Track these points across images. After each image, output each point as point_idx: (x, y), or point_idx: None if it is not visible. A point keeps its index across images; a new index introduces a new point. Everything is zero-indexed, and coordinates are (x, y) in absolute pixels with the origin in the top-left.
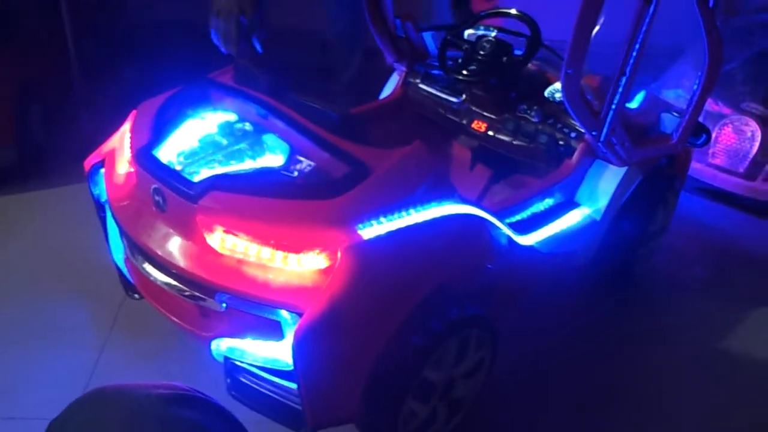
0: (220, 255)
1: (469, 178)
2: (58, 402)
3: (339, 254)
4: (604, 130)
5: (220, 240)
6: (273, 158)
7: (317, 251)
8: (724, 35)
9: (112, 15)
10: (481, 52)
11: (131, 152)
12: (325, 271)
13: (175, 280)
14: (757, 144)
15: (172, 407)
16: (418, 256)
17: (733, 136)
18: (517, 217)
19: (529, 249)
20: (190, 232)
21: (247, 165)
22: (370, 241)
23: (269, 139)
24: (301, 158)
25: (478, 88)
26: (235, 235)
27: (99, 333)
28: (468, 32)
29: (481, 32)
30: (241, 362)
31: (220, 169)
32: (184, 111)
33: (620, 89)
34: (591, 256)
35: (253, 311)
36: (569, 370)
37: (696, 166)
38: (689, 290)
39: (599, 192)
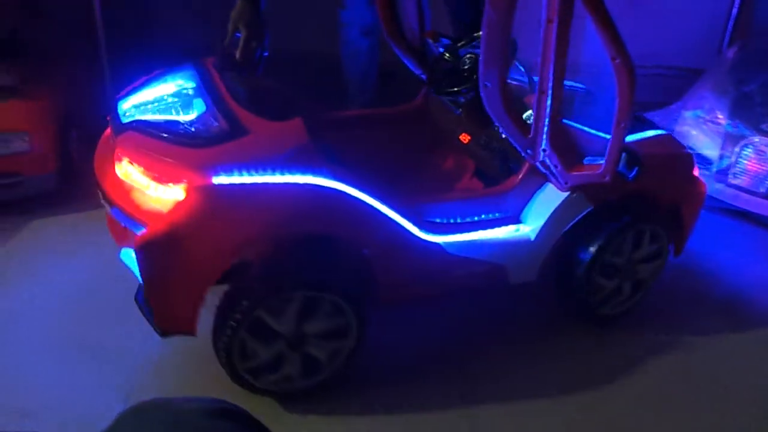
0: (122, 181)
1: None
2: (100, 416)
3: (187, 190)
4: (538, 150)
5: (123, 169)
6: (189, 115)
7: (175, 185)
8: (743, 59)
9: (141, 42)
10: (464, 67)
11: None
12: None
13: (105, 202)
14: None
15: (210, 419)
16: (256, 207)
17: (754, 157)
18: (441, 218)
19: (435, 246)
20: (111, 162)
21: (169, 117)
22: (218, 186)
23: (197, 102)
24: (209, 119)
25: (468, 103)
26: (132, 165)
27: (137, 350)
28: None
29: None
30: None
31: (149, 117)
32: (160, 78)
33: (547, 109)
34: (533, 277)
35: (131, 227)
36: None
37: (717, 187)
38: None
39: (538, 213)
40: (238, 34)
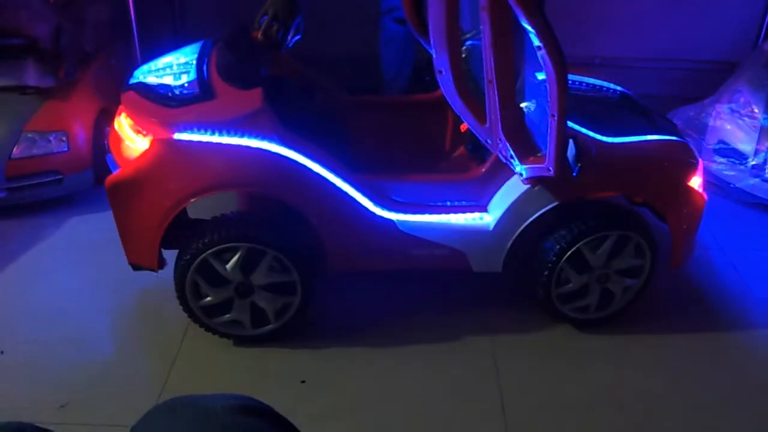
0: (118, 133)
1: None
2: (134, 410)
3: (152, 142)
4: (495, 140)
5: (118, 122)
6: (180, 81)
7: (145, 137)
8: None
9: (174, 38)
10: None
11: None
12: None
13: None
14: None
15: (238, 416)
16: (206, 163)
17: None
18: (406, 199)
19: (388, 222)
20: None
21: (166, 80)
22: (176, 141)
23: (191, 70)
24: (192, 84)
25: None
26: (126, 119)
27: (170, 346)
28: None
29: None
30: None
31: (151, 79)
32: (178, 50)
33: (495, 97)
34: (497, 268)
35: (113, 170)
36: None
37: (753, 182)
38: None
39: (500, 203)
40: (266, 17)
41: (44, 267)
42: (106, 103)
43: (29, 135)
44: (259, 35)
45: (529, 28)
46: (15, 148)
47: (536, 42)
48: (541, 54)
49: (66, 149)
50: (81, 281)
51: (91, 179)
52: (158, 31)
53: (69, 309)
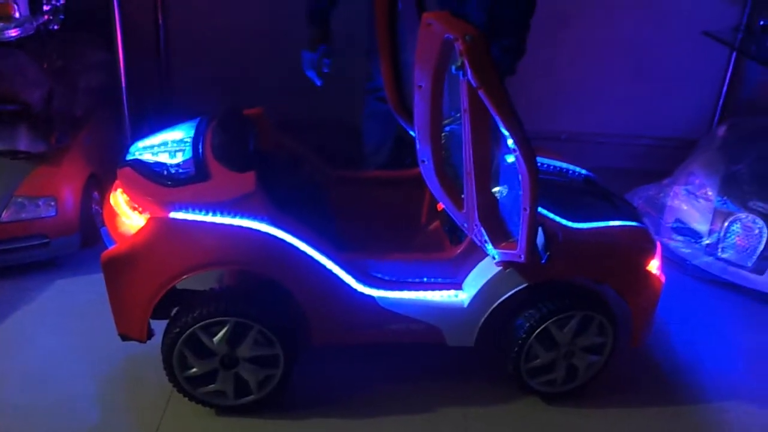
0: (112, 207)
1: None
2: None
3: (148, 220)
4: (472, 225)
5: (114, 197)
6: (176, 159)
7: (142, 215)
8: (732, 138)
9: (161, 105)
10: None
11: None
12: None
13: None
14: (764, 240)
15: None
16: (199, 241)
17: (742, 233)
18: (386, 276)
19: (369, 299)
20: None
21: (162, 158)
22: (173, 220)
23: (187, 149)
24: (188, 164)
25: None
26: (122, 195)
27: (154, 414)
28: None
29: None
30: None
31: (147, 156)
32: (173, 127)
33: (473, 187)
34: (470, 342)
35: (108, 244)
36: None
37: (707, 260)
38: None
39: (475, 282)
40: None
41: (30, 330)
42: (94, 169)
43: (19, 200)
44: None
45: (506, 133)
46: (4, 212)
47: (512, 145)
48: (516, 155)
49: (54, 214)
50: (66, 345)
51: (78, 242)
52: (146, 98)
53: (54, 374)
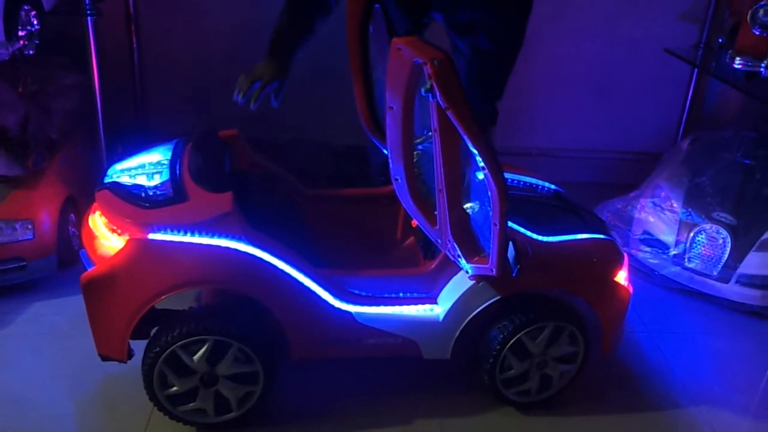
0: (91, 229)
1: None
2: None
3: (127, 241)
4: (445, 240)
5: (92, 220)
6: (154, 181)
7: (120, 236)
8: (695, 151)
9: (137, 128)
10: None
11: None
12: None
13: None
14: (728, 250)
15: None
16: (177, 261)
17: (707, 243)
18: (362, 291)
19: (346, 314)
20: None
21: (140, 180)
22: (151, 241)
23: (164, 171)
24: (165, 185)
25: None
26: (101, 217)
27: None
28: None
29: None
30: None
31: (125, 178)
32: (151, 149)
33: (444, 204)
34: (446, 355)
35: (87, 267)
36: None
37: (674, 270)
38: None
39: (449, 296)
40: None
41: (9, 353)
42: (71, 191)
43: None
44: (250, 102)
45: (474, 151)
46: None
47: (481, 163)
48: (485, 173)
49: (31, 237)
50: (45, 367)
51: (55, 264)
52: (121, 120)
53: (33, 396)
